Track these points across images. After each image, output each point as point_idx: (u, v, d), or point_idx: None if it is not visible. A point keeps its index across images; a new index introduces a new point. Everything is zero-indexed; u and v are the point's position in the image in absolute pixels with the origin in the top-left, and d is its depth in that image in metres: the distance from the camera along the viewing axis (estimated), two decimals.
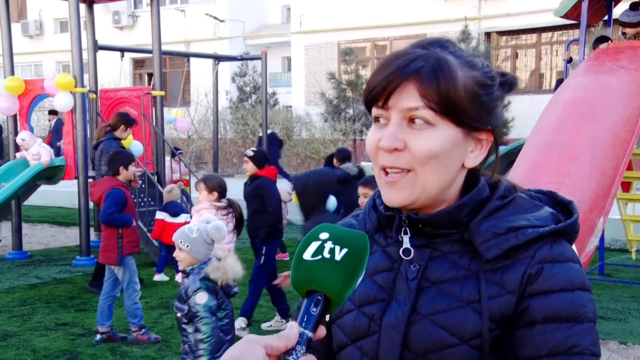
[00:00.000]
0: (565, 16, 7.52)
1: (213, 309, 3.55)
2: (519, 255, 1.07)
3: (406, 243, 1.13)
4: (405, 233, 1.13)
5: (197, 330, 3.53)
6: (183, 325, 3.60)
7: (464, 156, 1.11)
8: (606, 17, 7.89)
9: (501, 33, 20.82)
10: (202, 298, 3.51)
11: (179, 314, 3.60)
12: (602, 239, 7.65)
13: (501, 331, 1.05)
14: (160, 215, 7.80)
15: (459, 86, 1.06)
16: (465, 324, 1.05)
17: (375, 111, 1.10)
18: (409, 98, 1.06)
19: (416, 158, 1.07)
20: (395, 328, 1.10)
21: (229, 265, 3.61)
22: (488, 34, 20.68)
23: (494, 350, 1.05)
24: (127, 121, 7.97)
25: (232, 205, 5.05)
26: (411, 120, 1.07)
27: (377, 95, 1.08)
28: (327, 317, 1.20)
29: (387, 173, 1.09)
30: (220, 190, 5.14)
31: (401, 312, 1.10)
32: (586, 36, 7.04)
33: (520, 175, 4.99)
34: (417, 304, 1.10)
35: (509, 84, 1.15)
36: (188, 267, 3.64)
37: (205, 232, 3.64)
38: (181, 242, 3.61)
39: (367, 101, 1.12)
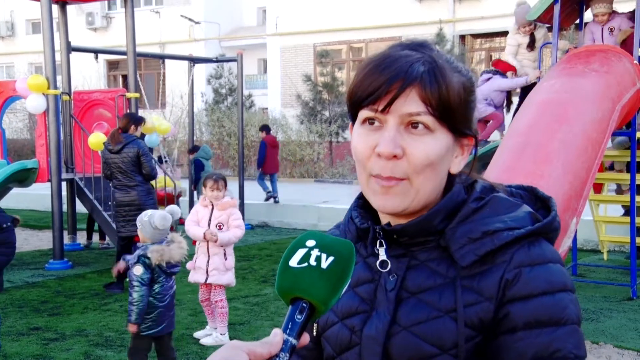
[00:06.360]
0: (538, 19, 7.60)
1: (145, 280, 4.33)
2: (496, 259, 1.04)
3: (382, 255, 1.11)
4: (381, 245, 1.11)
5: (130, 294, 4.35)
6: (130, 290, 4.42)
7: (450, 162, 1.10)
8: (578, 21, 7.99)
9: (475, 36, 21.02)
10: (137, 270, 4.34)
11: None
12: (574, 239, 7.75)
13: (483, 337, 1.03)
14: None
15: (455, 91, 1.05)
16: (445, 334, 1.04)
17: (366, 113, 1.05)
18: (411, 103, 1.02)
19: (413, 165, 1.03)
20: (375, 340, 1.08)
21: (169, 250, 4.38)
22: (462, 37, 20.86)
23: (478, 357, 1.04)
24: (136, 120, 7.91)
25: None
26: (411, 125, 1.04)
27: (376, 98, 1.03)
28: (315, 331, 1.19)
29: (379, 179, 1.05)
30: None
31: (381, 324, 1.08)
32: (558, 39, 7.13)
33: (494, 176, 5.01)
34: (397, 315, 1.08)
35: None
36: (141, 243, 4.49)
37: (153, 219, 4.43)
38: (138, 222, 4.51)
39: (360, 103, 1.06)
